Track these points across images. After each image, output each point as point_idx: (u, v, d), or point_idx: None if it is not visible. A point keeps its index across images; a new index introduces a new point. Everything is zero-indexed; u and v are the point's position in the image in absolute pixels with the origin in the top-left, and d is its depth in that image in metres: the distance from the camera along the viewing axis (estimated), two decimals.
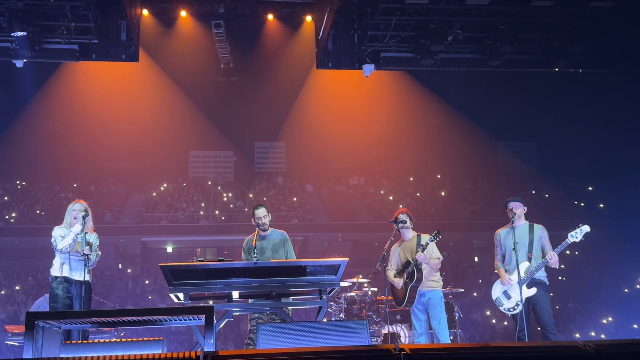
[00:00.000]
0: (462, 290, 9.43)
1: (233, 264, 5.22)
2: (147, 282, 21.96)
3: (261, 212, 6.39)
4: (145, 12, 11.48)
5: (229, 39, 13.67)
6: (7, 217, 24.34)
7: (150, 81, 21.79)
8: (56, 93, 21.36)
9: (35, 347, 3.81)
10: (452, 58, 10.81)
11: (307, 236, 25.83)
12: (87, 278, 5.97)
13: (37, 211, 24.75)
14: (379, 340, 8.19)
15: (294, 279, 5.25)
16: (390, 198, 26.79)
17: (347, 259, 5.32)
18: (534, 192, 26.54)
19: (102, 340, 5.02)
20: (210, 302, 5.55)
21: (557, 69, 11.08)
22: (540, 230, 6.26)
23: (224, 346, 15.13)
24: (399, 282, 6.75)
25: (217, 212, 25.93)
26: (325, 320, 5.24)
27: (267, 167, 30.68)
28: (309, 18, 11.81)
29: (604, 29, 10.55)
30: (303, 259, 5.55)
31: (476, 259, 24.37)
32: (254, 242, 5.76)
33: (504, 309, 6.25)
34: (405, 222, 6.79)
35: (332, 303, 8.80)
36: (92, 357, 2.97)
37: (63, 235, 6.07)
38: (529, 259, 6.13)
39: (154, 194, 27.08)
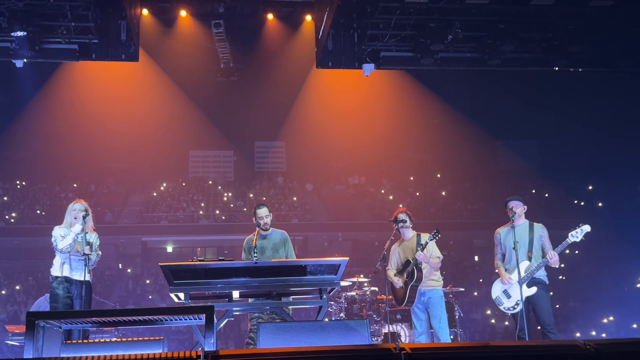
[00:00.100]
0: (463, 289, 9.43)
1: (233, 263, 5.22)
2: (147, 281, 21.97)
3: (263, 211, 6.39)
4: (145, 12, 11.48)
5: (228, 39, 13.67)
6: (7, 217, 24.34)
7: (150, 81, 21.79)
8: (56, 93, 21.35)
9: (36, 346, 3.81)
10: (452, 57, 10.81)
11: (307, 236, 25.83)
12: (88, 278, 5.98)
13: (38, 211, 24.77)
14: (379, 340, 8.19)
15: (294, 279, 5.25)
16: (391, 197, 26.79)
17: (348, 258, 5.32)
18: (534, 191, 26.54)
19: (103, 340, 5.02)
20: (212, 302, 5.55)
21: (557, 68, 11.08)
22: (540, 230, 6.26)
23: (224, 346, 15.13)
24: (398, 281, 6.75)
25: (217, 211, 25.94)
26: (325, 319, 5.23)
27: (267, 166, 30.68)
28: (308, 17, 11.81)
29: (604, 28, 10.55)
30: (303, 259, 5.55)
31: (476, 258, 24.37)
32: (254, 241, 5.76)
33: (504, 308, 6.25)
34: (405, 221, 6.79)
35: (332, 302, 8.80)
36: (93, 357, 2.97)
37: (63, 235, 6.08)
38: (529, 258, 6.13)
39: (154, 194, 27.09)
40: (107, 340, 4.44)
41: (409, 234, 6.86)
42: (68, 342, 4.52)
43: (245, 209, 25.56)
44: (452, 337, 7.78)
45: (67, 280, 6.05)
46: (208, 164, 30.81)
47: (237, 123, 27.67)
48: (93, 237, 6.22)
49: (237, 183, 28.64)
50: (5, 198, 25.41)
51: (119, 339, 4.38)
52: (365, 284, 8.85)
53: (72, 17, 9.77)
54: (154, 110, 25.32)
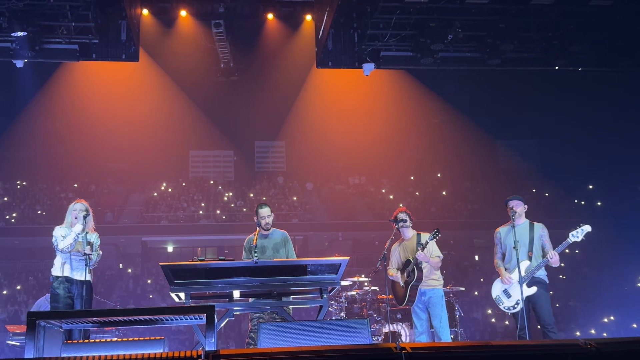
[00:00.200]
0: (463, 289, 9.42)
1: (234, 263, 5.22)
2: (148, 281, 21.97)
3: (265, 211, 6.39)
4: (145, 11, 11.48)
5: (228, 39, 13.67)
6: (7, 217, 24.35)
7: (150, 81, 21.79)
8: (56, 93, 21.35)
9: (37, 346, 3.82)
10: (452, 57, 10.81)
11: (307, 235, 25.84)
12: (88, 278, 5.98)
13: (38, 211, 24.77)
14: (379, 339, 8.19)
15: (295, 278, 5.25)
16: (391, 197, 26.79)
17: (348, 258, 5.32)
18: (534, 190, 26.55)
19: (104, 340, 5.02)
20: (213, 302, 5.56)
21: (557, 68, 11.08)
22: (540, 229, 6.26)
23: (225, 345, 15.14)
24: (399, 277, 6.76)
25: (217, 211, 25.95)
26: (326, 319, 5.24)
27: (268, 166, 30.69)
28: (308, 17, 11.81)
29: (604, 27, 10.56)
30: (304, 258, 5.55)
31: (476, 257, 24.37)
32: (254, 241, 5.76)
33: (504, 307, 6.25)
34: (405, 221, 6.79)
35: (332, 302, 8.80)
36: (94, 357, 2.97)
37: (64, 235, 6.08)
38: (530, 258, 6.13)
39: (155, 194, 27.10)
40: (108, 340, 4.44)
41: (409, 233, 6.86)
42: (69, 342, 4.52)
43: (245, 209, 25.58)
44: (452, 336, 7.78)
45: (68, 280, 6.05)
46: (208, 164, 30.82)
47: (237, 123, 27.67)
48: (94, 237, 6.23)
49: (237, 183, 28.64)
50: (5, 198, 25.42)
51: (120, 339, 4.38)
52: (366, 284, 8.85)
53: (72, 17, 9.77)
54: (154, 110, 25.33)
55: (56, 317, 4.16)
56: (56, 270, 6.09)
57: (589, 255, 20.38)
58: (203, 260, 5.16)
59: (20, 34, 9.50)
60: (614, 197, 23.64)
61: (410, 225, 6.84)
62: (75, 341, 5.04)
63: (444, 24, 10.08)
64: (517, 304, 6.10)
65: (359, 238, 25.60)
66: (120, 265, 24.25)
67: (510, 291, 6.19)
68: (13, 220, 24.28)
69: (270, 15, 11.99)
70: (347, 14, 10.57)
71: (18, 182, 26.46)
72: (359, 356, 2.90)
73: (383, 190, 27.82)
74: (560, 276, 19.20)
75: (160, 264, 5.26)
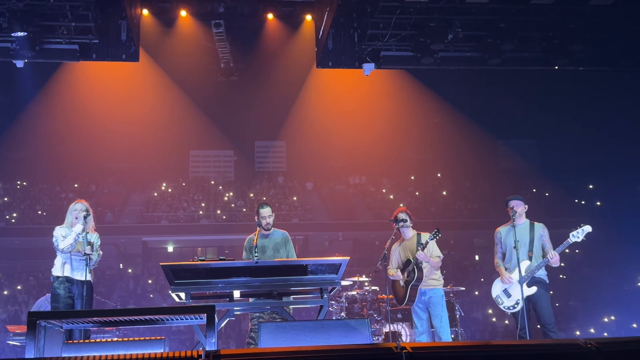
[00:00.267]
0: (463, 288, 9.42)
1: (234, 263, 5.22)
2: (149, 281, 21.98)
3: (266, 211, 6.39)
4: (145, 12, 11.48)
5: (229, 39, 13.67)
6: (7, 217, 24.35)
7: (151, 81, 21.80)
8: (56, 93, 21.36)
9: (37, 346, 3.82)
10: (452, 56, 10.81)
11: (307, 235, 25.84)
12: (89, 278, 5.98)
13: (38, 211, 24.78)
14: (380, 339, 8.20)
15: (295, 278, 5.25)
16: (391, 197, 26.79)
17: (348, 257, 5.32)
18: (534, 190, 26.54)
19: (104, 340, 5.02)
20: (213, 301, 5.56)
21: (557, 67, 11.08)
22: (541, 229, 6.26)
23: (225, 345, 15.14)
24: (399, 275, 6.76)
25: (218, 211, 25.95)
26: (326, 319, 5.24)
27: (268, 166, 30.69)
28: (308, 17, 11.81)
29: (604, 27, 10.55)
30: (304, 258, 5.55)
31: (477, 257, 24.37)
32: (255, 241, 5.76)
33: (504, 307, 6.25)
34: (405, 220, 6.79)
35: (333, 302, 8.80)
36: (94, 357, 2.97)
37: (64, 235, 6.08)
38: (530, 258, 6.13)
39: (155, 194, 27.10)
40: (109, 340, 4.44)
41: (410, 233, 6.86)
42: (69, 342, 4.53)
43: (245, 209, 25.58)
44: (453, 336, 7.78)
45: (69, 280, 6.06)
46: (208, 164, 30.82)
47: (238, 123, 27.68)
48: (94, 237, 6.23)
49: (238, 183, 28.65)
50: (5, 198, 25.42)
51: (120, 339, 4.38)
52: (366, 284, 8.85)
53: (72, 17, 9.77)
54: (154, 110, 25.33)
55: (57, 317, 4.16)
56: (56, 271, 6.10)
57: (589, 255, 20.38)
58: (203, 260, 5.16)
59: (20, 34, 9.50)
60: (614, 197, 23.64)
61: (411, 225, 6.84)
62: (76, 341, 5.04)
63: (444, 23, 10.08)
64: (517, 303, 6.10)
65: (359, 238, 25.60)
66: (121, 265, 24.25)
67: (510, 291, 6.20)
68: (13, 221, 24.29)
69: (270, 15, 11.99)
70: (347, 14, 10.57)
71: (18, 182, 26.47)
72: (359, 356, 2.90)
73: (383, 190, 27.82)
74: (561, 276, 19.19)
75: (160, 264, 5.26)
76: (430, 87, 23.67)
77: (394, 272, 6.84)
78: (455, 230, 23.10)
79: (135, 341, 4.20)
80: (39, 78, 19.42)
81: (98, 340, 6.26)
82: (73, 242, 6.01)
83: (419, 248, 6.52)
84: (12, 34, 9.57)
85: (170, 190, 27.46)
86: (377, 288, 8.79)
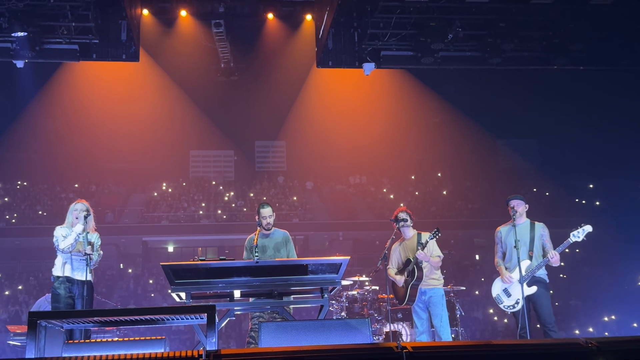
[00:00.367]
0: (464, 288, 9.42)
1: (234, 262, 5.22)
2: (150, 281, 21.98)
3: (267, 211, 6.39)
4: (145, 12, 11.49)
5: (229, 39, 13.66)
6: (7, 217, 24.36)
7: (151, 81, 21.80)
8: (57, 93, 21.37)
9: (38, 346, 3.82)
10: (453, 56, 10.81)
11: (308, 235, 25.84)
12: (89, 278, 5.98)
13: (39, 211, 24.78)
14: (380, 339, 8.20)
15: (296, 278, 5.25)
16: (391, 196, 26.80)
17: (349, 257, 5.32)
18: (534, 189, 26.54)
19: (105, 340, 5.02)
20: (214, 301, 5.56)
21: (557, 67, 11.08)
22: (541, 229, 6.26)
23: (225, 345, 15.15)
24: (400, 279, 6.76)
25: (218, 211, 25.96)
26: (327, 318, 5.24)
27: (268, 166, 30.69)
28: (309, 17, 11.82)
29: (604, 26, 10.55)
30: (304, 258, 5.55)
31: (477, 257, 24.37)
32: (255, 240, 5.76)
33: (504, 306, 6.26)
34: (406, 220, 6.79)
35: (333, 302, 8.80)
36: (95, 357, 2.97)
37: (65, 235, 6.08)
38: (530, 257, 6.13)
39: (155, 194, 27.11)
40: (109, 339, 4.44)
41: (410, 233, 6.86)
42: (70, 341, 4.53)
43: (245, 209, 25.58)
44: (453, 335, 7.78)
45: (69, 280, 6.06)
46: (208, 164, 30.83)
47: (238, 123, 27.68)
48: (94, 237, 6.23)
49: (238, 183, 28.65)
50: (6, 198, 25.42)
51: (121, 339, 4.38)
52: (367, 283, 8.85)
53: (72, 17, 9.77)
54: (154, 110, 25.34)
55: (57, 317, 4.16)
56: (57, 271, 6.10)
57: (590, 254, 20.38)
58: (204, 260, 5.16)
59: (20, 34, 9.50)
60: (614, 196, 23.63)
61: (411, 224, 6.84)
62: (76, 341, 5.04)
63: (444, 23, 10.08)
64: (517, 303, 6.10)
65: (360, 238, 25.60)
66: (121, 265, 24.26)
67: (510, 290, 6.20)
68: (14, 221, 24.29)
69: (270, 15, 11.99)
70: (347, 14, 10.57)
71: (18, 183, 26.47)
72: (360, 356, 2.90)
73: (384, 190, 27.83)
74: (561, 275, 19.19)
75: (161, 263, 5.25)
76: (430, 86, 23.68)
77: (394, 275, 6.84)
78: (455, 229, 23.10)
79: (135, 341, 4.19)
80: (39, 78, 19.44)
81: (98, 340, 6.26)
82: (73, 242, 6.01)
83: (419, 247, 6.52)
84: (12, 34, 9.57)
85: (170, 190, 27.47)
86: (377, 288, 8.79)
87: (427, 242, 6.54)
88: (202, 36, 13.64)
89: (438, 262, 6.66)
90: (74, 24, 9.89)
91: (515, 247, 6.01)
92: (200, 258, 5.21)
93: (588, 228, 5.97)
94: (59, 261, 6.12)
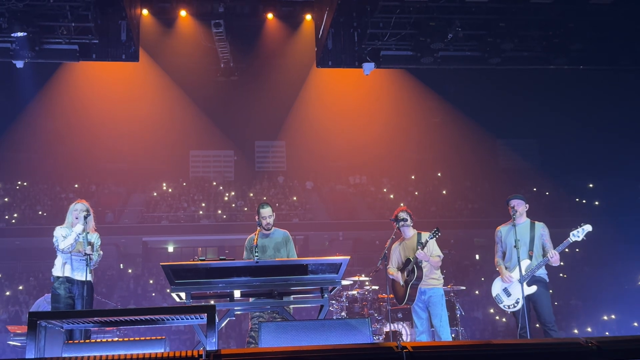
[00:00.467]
0: (464, 288, 9.43)
1: (234, 262, 5.22)
2: (150, 281, 21.99)
3: (267, 211, 6.38)
4: (145, 12, 11.49)
5: (228, 39, 13.66)
6: (7, 217, 24.36)
7: (151, 81, 21.80)
8: (56, 93, 21.37)
9: (38, 347, 3.82)
10: (452, 56, 10.80)
11: (308, 235, 25.85)
12: (89, 278, 5.98)
13: (39, 212, 24.78)
14: (380, 339, 8.20)
15: (296, 278, 5.25)
16: (391, 196, 26.80)
17: (349, 257, 5.32)
18: (534, 189, 26.55)
19: (105, 340, 5.02)
20: (214, 301, 5.56)
21: (557, 66, 11.07)
22: (541, 228, 6.26)
23: (225, 345, 15.15)
24: (398, 275, 6.76)
25: (218, 211, 25.96)
26: (327, 318, 5.24)
27: (268, 166, 30.70)
28: (308, 17, 11.82)
29: (604, 25, 10.55)
30: (304, 258, 5.55)
31: (477, 256, 24.38)
32: (255, 240, 5.76)
33: (504, 306, 6.26)
34: (406, 220, 6.79)
35: (333, 301, 8.81)
36: (95, 357, 2.97)
37: (65, 235, 6.08)
38: (530, 257, 6.14)
39: (155, 194, 27.11)
40: (109, 340, 4.44)
41: (410, 232, 6.86)
42: (70, 342, 4.53)
43: (246, 209, 25.58)
44: (453, 335, 7.78)
45: (69, 280, 6.06)
46: (208, 164, 30.83)
47: (238, 123, 27.69)
48: (94, 237, 6.23)
49: (238, 183, 28.66)
50: (6, 199, 25.42)
51: (121, 339, 4.38)
52: (367, 283, 8.84)
53: (72, 17, 9.77)
54: (154, 110, 25.35)
55: (57, 318, 4.16)
56: (57, 271, 6.10)
57: (590, 254, 20.38)
58: (204, 260, 5.16)
59: (20, 34, 9.50)
60: (614, 196, 23.65)
61: (411, 224, 6.84)
62: (76, 341, 5.04)
63: (443, 23, 10.07)
64: (517, 302, 6.10)
65: (360, 237, 25.61)
66: (121, 265, 24.27)
67: (510, 290, 6.20)
68: (14, 221, 24.29)
69: (270, 15, 11.99)
70: (347, 13, 10.57)
71: (19, 183, 26.48)
72: (360, 355, 2.90)
73: (384, 190, 27.83)
74: (561, 275, 19.20)
75: (161, 263, 5.25)
76: (430, 86, 23.68)
77: (394, 272, 6.85)
78: (455, 229, 23.11)
79: (135, 341, 4.19)
80: (39, 78, 19.44)
81: (98, 340, 6.26)
82: (73, 242, 6.01)
83: (419, 247, 6.52)
84: (12, 35, 9.56)
85: (170, 190, 27.47)
86: (377, 287, 8.80)
87: (427, 241, 6.54)
88: (202, 36, 13.64)
89: (438, 261, 6.66)
90: (74, 24, 9.88)
91: (515, 246, 6.01)
92: (200, 258, 5.21)
93: (588, 227, 5.97)
94: (58, 261, 6.12)
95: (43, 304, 8.47)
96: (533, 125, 27.67)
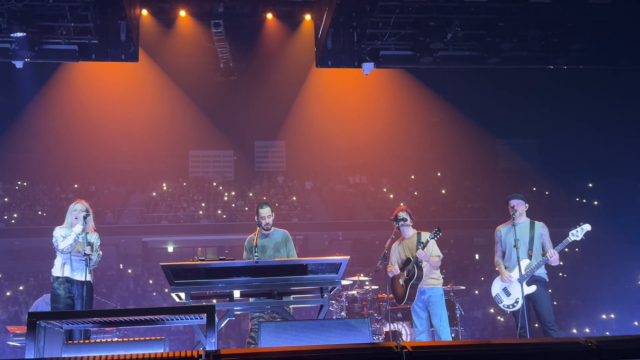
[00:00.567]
0: (463, 287, 9.43)
1: (234, 263, 5.22)
2: (150, 281, 21.98)
3: (266, 211, 6.38)
4: (144, 12, 11.47)
5: (228, 39, 13.65)
6: (6, 217, 24.35)
7: (150, 81, 21.79)
8: (56, 94, 21.36)
9: (37, 347, 3.81)
10: (452, 55, 10.79)
11: (307, 235, 25.85)
12: (89, 278, 5.97)
13: (38, 212, 24.78)
14: (380, 338, 8.20)
15: (295, 278, 5.25)
16: (391, 196, 26.81)
17: (348, 257, 5.32)
18: (534, 189, 26.56)
19: (104, 340, 5.02)
20: (213, 301, 5.56)
21: (556, 66, 11.07)
22: (541, 228, 6.26)
23: (225, 345, 15.14)
24: (396, 271, 6.77)
25: (218, 211, 25.96)
26: (326, 318, 5.23)
27: (267, 166, 30.71)
28: (308, 17, 11.81)
29: (604, 25, 10.54)
30: (304, 258, 5.55)
31: (477, 256, 24.39)
32: (255, 240, 5.76)
33: (504, 305, 6.26)
34: (406, 219, 6.79)
35: (333, 301, 8.81)
36: (94, 357, 2.97)
37: (64, 236, 6.08)
38: (530, 257, 6.14)
39: (155, 194, 27.11)
40: (109, 340, 4.44)
41: (410, 232, 6.86)
42: (69, 342, 4.52)
43: (246, 209, 25.58)
44: (453, 335, 7.78)
45: (68, 280, 6.05)
46: (208, 164, 30.84)
47: (237, 123, 27.70)
48: (94, 238, 6.23)
49: (238, 183, 28.66)
50: (5, 199, 25.42)
51: (121, 339, 4.38)
52: (366, 283, 8.85)
53: (71, 17, 9.75)
54: (154, 110, 25.34)
55: (57, 318, 4.16)
56: (56, 271, 6.09)
57: (589, 254, 20.39)
58: (203, 260, 5.16)
59: (19, 34, 9.49)
60: (614, 196, 23.66)
61: (411, 224, 6.84)
62: (76, 341, 5.04)
63: (443, 22, 10.06)
64: (517, 302, 6.11)
65: (359, 237, 25.61)
66: (121, 265, 24.27)
67: (510, 289, 6.20)
68: (13, 221, 24.29)
69: (269, 15, 11.98)
70: (346, 13, 10.56)
71: (18, 183, 26.48)
72: (359, 355, 2.90)
73: (384, 190, 27.83)
74: (560, 274, 19.21)
75: (160, 264, 5.25)
76: (429, 86, 23.68)
77: (392, 268, 6.85)
78: (455, 229, 23.11)
79: (135, 341, 4.19)
80: (38, 78, 19.44)
81: (98, 340, 6.26)
82: (73, 243, 6.01)
83: (419, 247, 6.52)
84: (12, 35, 9.55)
85: (170, 190, 27.47)
86: (377, 287, 8.80)
87: (427, 241, 6.55)
88: (202, 36, 13.63)
89: (438, 262, 6.66)
90: (73, 24, 9.87)
91: (514, 246, 6.01)
92: (199, 258, 5.21)
93: (587, 227, 5.97)
94: (58, 261, 6.12)
95: (41, 304, 8.47)
96: (533, 125, 27.69)
